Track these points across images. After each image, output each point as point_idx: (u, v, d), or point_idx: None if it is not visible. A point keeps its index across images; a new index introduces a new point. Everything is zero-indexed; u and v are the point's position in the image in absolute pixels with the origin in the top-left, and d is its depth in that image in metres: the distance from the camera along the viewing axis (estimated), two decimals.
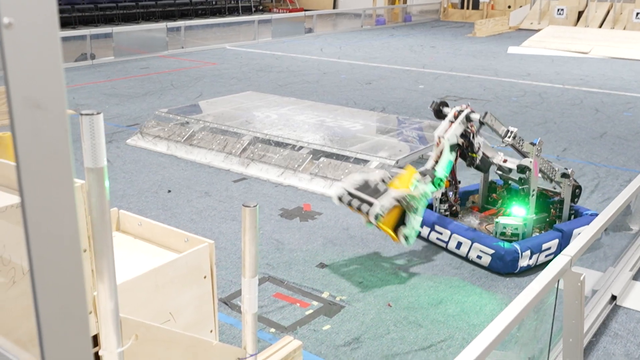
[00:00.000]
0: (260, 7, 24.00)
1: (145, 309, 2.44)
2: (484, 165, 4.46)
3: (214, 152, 6.44)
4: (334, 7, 24.14)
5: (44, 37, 0.82)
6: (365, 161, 5.87)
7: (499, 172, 4.70)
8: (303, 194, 5.61)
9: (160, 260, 2.58)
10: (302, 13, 19.52)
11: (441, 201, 4.68)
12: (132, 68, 11.85)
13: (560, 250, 3.01)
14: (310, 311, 3.71)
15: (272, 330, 3.52)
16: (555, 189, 4.71)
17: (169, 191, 5.58)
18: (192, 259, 2.60)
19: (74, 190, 0.90)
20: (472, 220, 4.73)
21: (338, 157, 6.02)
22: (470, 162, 4.39)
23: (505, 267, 4.14)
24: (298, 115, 7.38)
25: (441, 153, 4.22)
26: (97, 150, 1.67)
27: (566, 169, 4.55)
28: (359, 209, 3.91)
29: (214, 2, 21.62)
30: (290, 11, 23.33)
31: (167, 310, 2.53)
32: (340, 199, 4.07)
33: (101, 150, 1.67)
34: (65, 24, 16.81)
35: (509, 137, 4.20)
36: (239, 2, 22.23)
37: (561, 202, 4.57)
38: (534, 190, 4.31)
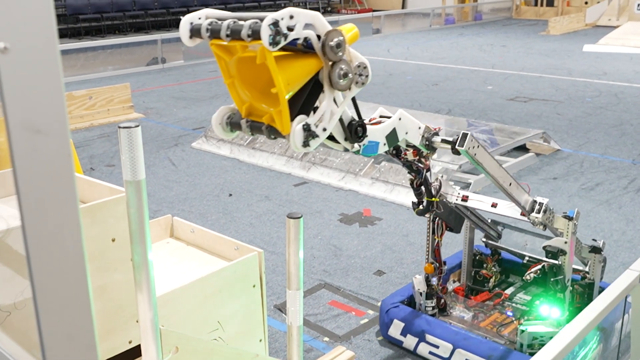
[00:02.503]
0: (329, 9, 24.04)
1: (193, 318, 2.44)
2: (445, 211, 3.20)
3: (276, 156, 6.46)
4: (403, 6, 23.90)
5: (42, 60, 0.81)
6: None
7: (485, 240, 3.64)
8: (364, 198, 5.54)
9: (209, 269, 2.58)
10: (369, 14, 19.42)
11: (427, 296, 3.34)
12: (201, 71, 12.07)
13: None
14: (366, 320, 3.64)
15: (326, 339, 3.47)
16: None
17: (230, 195, 5.63)
18: (241, 268, 2.59)
19: (79, 218, 0.87)
20: (462, 313, 3.44)
21: None
22: (426, 209, 3.09)
23: None
24: None
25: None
26: (136, 162, 1.66)
27: (595, 240, 3.33)
28: (231, 34, 1.90)
29: (282, 5, 21.80)
30: (359, 12, 23.26)
31: (215, 319, 2.52)
32: (195, 29, 2.02)
33: (140, 162, 1.67)
34: (138, 29, 17.34)
35: (538, 212, 2.94)
36: (307, 4, 22.33)
37: (590, 285, 3.31)
38: (568, 281, 3.04)
